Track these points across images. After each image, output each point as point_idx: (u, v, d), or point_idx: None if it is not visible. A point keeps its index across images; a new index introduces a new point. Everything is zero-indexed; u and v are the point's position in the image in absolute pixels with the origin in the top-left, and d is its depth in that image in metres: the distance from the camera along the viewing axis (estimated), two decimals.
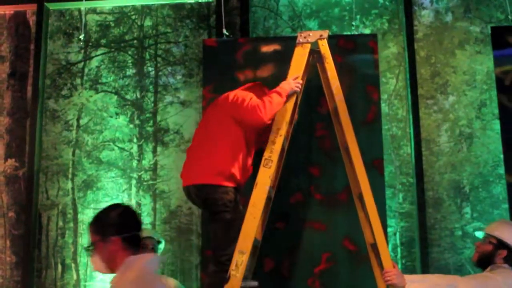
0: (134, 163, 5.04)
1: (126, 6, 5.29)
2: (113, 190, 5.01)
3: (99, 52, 5.24)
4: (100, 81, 5.19)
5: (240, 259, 3.29)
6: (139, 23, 5.27)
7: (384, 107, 4.81)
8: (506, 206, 4.52)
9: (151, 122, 5.09)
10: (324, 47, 3.72)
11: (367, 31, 4.99)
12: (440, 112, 4.83)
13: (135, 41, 5.25)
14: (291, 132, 3.84)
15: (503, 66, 4.49)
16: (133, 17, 5.28)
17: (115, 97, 5.16)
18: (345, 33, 4.95)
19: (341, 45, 4.23)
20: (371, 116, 4.12)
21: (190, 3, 5.24)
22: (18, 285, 4.91)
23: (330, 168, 4.08)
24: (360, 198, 3.56)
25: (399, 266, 4.54)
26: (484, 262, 3.54)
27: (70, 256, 4.94)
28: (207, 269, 3.51)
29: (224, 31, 4.86)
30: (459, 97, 4.85)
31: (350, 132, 3.54)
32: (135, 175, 5.02)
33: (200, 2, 5.22)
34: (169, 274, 4.76)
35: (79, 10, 5.33)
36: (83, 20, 5.30)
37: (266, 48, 4.32)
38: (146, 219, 4.93)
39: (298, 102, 3.86)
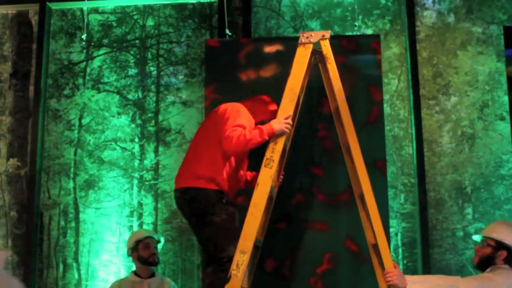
0: (136, 162, 5.04)
1: (128, 6, 5.30)
2: (114, 190, 5.01)
3: (101, 51, 5.25)
4: (102, 80, 5.19)
5: (241, 259, 3.29)
6: (141, 23, 5.27)
7: (386, 108, 4.81)
8: (508, 207, 4.52)
9: (153, 122, 5.09)
10: (326, 48, 3.71)
11: (369, 31, 4.99)
12: (442, 113, 4.83)
13: (137, 41, 5.25)
14: (293, 132, 3.83)
15: None
16: (135, 16, 5.29)
17: (117, 96, 5.16)
18: (347, 33, 4.95)
19: (344, 45, 4.23)
20: (374, 117, 4.12)
21: (192, 3, 5.24)
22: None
23: (332, 168, 4.08)
24: (362, 199, 3.56)
25: (401, 266, 4.54)
26: (484, 264, 3.54)
27: (71, 256, 4.94)
28: (206, 269, 3.50)
29: (227, 31, 4.87)
30: (461, 97, 4.85)
31: (352, 133, 3.54)
32: (136, 174, 5.02)
33: (202, 2, 5.22)
34: (170, 273, 4.77)
35: (81, 10, 5.33)
36: (85, 19, 5.30)
37: (268, 49, 4.32)
38: (147, 219, 4.93)
39: (300, 102, 3.86)
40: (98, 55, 5.25)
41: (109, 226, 4.96)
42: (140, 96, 5.15)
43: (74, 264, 4.93)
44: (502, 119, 4.73)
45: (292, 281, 3.97)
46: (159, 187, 4.98)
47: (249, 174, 3.85)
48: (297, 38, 3.76)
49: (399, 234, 4.68)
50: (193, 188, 3.53)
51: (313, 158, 4.11)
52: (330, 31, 3.78)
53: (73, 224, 5.00)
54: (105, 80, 5.19)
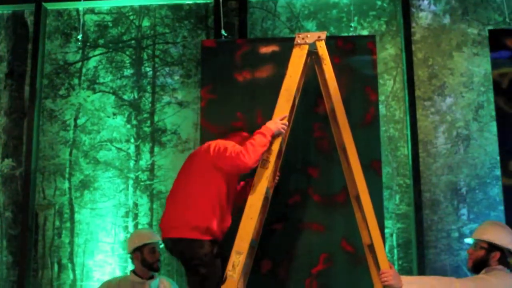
0: (131, 163, 5.04)
1: (124, 7, 5.29)
2: (110, 190, 5.00)
3: (96, 52, 5.24)
4: (97, 81, 5.19)
5: (237, 260, 3.29)
6: (137, 24, 5.27)
7: (382, 109, 4.82)
8: (503, 208, 4.53)
9: (148, 123, 5.09)
10: (322, 49, 3.72)
11: (364, 32, 5.00)
12: (437, 114, 4.84)
13: (133, 42, 5.25)
14: (288, 132, 3.84)
15: (500, 68, 4.49)
16: (131, 17, 5.28)
17: (113, 97, 5.15)
18: (343, 34, 4.95)
19: (339, 46, 4.24)
20: (369, 117, 4.13)
21: (188, 4, 5.24)
22: (15, 285, 4.90)
23: (328, 169, 4.09)
24: (357, 199, 3.57)
25: (396, 267, 4.55)
26: (479, 267, 3.54)
27: (66, 256, 4.93)
28: None
29: (223, 32, 4.87)
30: (456, 99, 4.86)
31: (348, 133, 3.54)
32: (132, 175, 5.01)
33: (198, 3, 5.22)
34: (165, 274, 4.76)
35: (77, 10, 5.32)
36: (81, 20, 5.29)
37: (264, 49, 4.32)
38: (143, 220, 4.92)
39: (296, 103, 3.86)
40: (94, 56, 5.24)
41: (105, 227, 4.95)
42: (136, 96, 5.14)
43: (69, 265, 4.92)
44: None
45: (287, 282, 3.97)
46: (155, 188, 4.97)
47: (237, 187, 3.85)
48: (293, 39, 3.77)
49: (394, 235, 4.69)
50: (187, 239, 3.49)
51: (309, 158, 4.12)
52: (325, 32, 3.78)
53: (68, 224, 4.99)
54: (101, 80, 5.19)
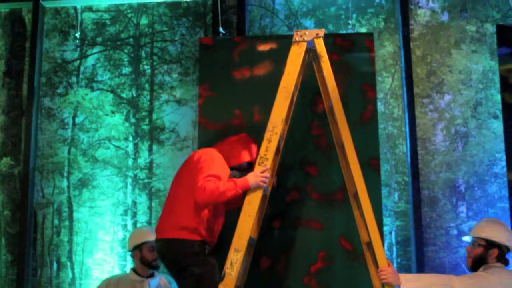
0: (130, 161, 5.03)
1: (122, 4, 5.28)
2: (108, 189, 5.00)
3: (95, 50, 5.24)
4: (95, 79, 5.18)
5: (235, 257, 3.29)
6: (135, 21, 5.26)
7: (380, 106, 4.81)
8: (501, 205, 4.53)
9: (146, 121, 5.09)
10: (320, 46, 3.71)
11: (363, 30, 4.99)
12: (436, 111, 4.84)
13: (131, 39, 5.24)
14: (287, 130, 3.83)
15: (507, 64, 4.49)
16: (129, 15, 5.28)
17: (111, 95, 5.15)
18: (341, 31, 4.95)
19: (338, 43, 4.23)
20: (368, 115, 4.12)
21: (187, 2, 5.23)
22: (14, 284, 4.90)
23: (326, 166, 4.08)
24: (356, 197, 3.56)
25: (395, 265, 4.55)
26: (478, 265, 3.56)
27: (65, 255, 4.93)
28: None
29: (220, 29, 4.86)
30: (455, 96, 4.86)
31: (346, 131, 3.54)
32: (130, 173, 5.01)
33: (196, 1, 5.21)
34: (164, 271, 4.75)
35: (75, 8, 5.32)
36: (79, 18, 5.29)
37: (262, 47, 4.32)
38: (141, 218, 4.92)
39: (294, 100, 3.86)
40: (92, 54, 5.23)
41: (103, 225, 4.95)
42: (134, 94, 5.14)
43: (68, 263, 4.92)
44: (496, 117, 4.74)
45: (286, 279, 3.97)
46: (153, 186, 4.97)
47: None
48: (291, 36, 3.76)
49: (393, 233, 4.69)
50: (177, 239, 3.50)
51: (307, 156, 4.11)
52: (324, 29, 3.78)
53: (67, 223, 4.99)
54: (99, 78, 5.18)
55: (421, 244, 4.56)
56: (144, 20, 5.25)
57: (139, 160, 5.02)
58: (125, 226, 4.93)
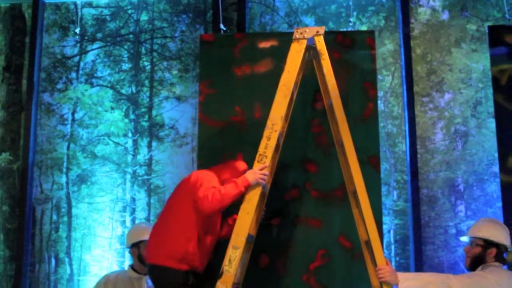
0: (129, 157, 5.03)
1: (122, 0, 5.27)
2: (107, 185, 5.00)
3: (94, 46, 5.23)
4: (95, 75, 5.17)
5: (234, 255, 3.28)
6: (135, 18, 5.25)
7: (380, 104, 4.81)
8: (500, 204, 4.53)
9: (146, 117, 5.08)
10: (320, 44, 3.70)
11: (363, 28, 4.99)
12: (436, 110, 4.84)
13: (131, 36, 5.23)
14: (286, 127, 3.82)
15: (499, 65, 4.48)
16: (130, 11, 5.27)
17: (111, 91, 5.14)
18: (341, 29, 4.94)
19: (338, 41, 4.22)
20: (368, 113, 4.11)
21: None
22: (12, 279, 4.90)
23: (326, 164, 4.08)
24: (355, 195, 3.56)
25: (393, 263, 4.55)
26: (476, 264, 3.56)
27: (64, 250, 4.93)
28: None
29: (221, 26, 4.85)
30: (455, 95, 4.86)
31: (345, 129, 3.53)
32: (129, 169, 5.01)
33: None
34: None
35: (75, 4, 5.31)
36: (79, 13, 5.28)
37: (263, 44, 4.31)
38: (140, 214, 4.92)
39: (294, 98, 3.85)
40: (92, 49, 5.23)
41: (102, 221, 4.95)
42: (134, 91, 5.13)
43: (66, 259, 4.92)
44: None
45: (285, 277, 3.97)
46: (152, 182, 4.97)
47: (230, 219, 3.81)
48: (292, 33, 3.75)
49: (391, 231, 4.69)
50: (161, 267, 3.48)
51: (307, 154, 4.11)
52: (324, 27, 3.76)
53: (65, 218, 4.98)
54: (99, 74, 5.17)
55: (420, 243, 4.56)
56: (144, 16, 5.25)
57: (138, 157, 5.02)
58: (123, 222, 4.93)
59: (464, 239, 3.72)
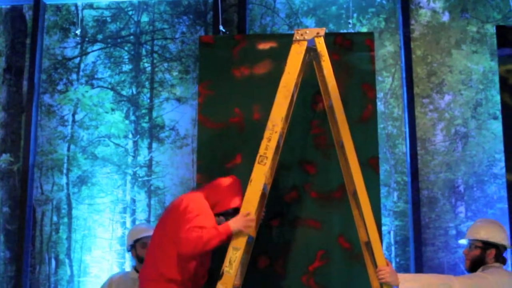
0: (129, 159, 5.03)
1: (123, 2, 5.28)
2: (108, 186, 5.00)
3: (95, 47, 5.23)
4: (96, 76, 5.18)
5: (234, 256, 3.28)
6: (135, 19, 5.26)
7: (380, 106, 4.81)
8: (500, 205, 4.53)
9: (146, 118, 5.09)
10: (321, 45, 3.70)
11: (363, 29, 4.99)
12: (436, 111, 4.84)
13: (131, 37, 5.24)
14: (286, 129, 3.83)
15: (507, 65, 4.48)
16: (130, 12, 5.27)
17: (111, 92, 5.15)
18: (342, 31, 4.95)
19: (338, 43, 4.22)
20: (367, 114, 4.11)
21: (188, 0, 5.23)
22: (12, 281, 4.90)
23: (325, 165, 4.07)
24: (355, 196, 3.56)
25: (393, 264, 4.55)
26: (477, 266, 3.55)
27: (64, 252, 4.93)
28: None
29: (221, 27, 4.86)
30: (455, 96, 4.86)
31: (346, 130, 3.53)
32: (130, 171, 5.01)
33: None
34: None
35: (76, 5, 5.31)
36: (80, 15, 5.29)
37: (263, 45, 4.31)
38: (141, 216, 4.92)
39: (294, 99, 3.85)
40: (92, 51, 5.23)
41: (102, 222, 4.95)
42: (134, 92, 5.14)
43: (67, 260, 4.92)
44: (495, 118, 4.74)
45: (284, 279, 3.97)
46: (152, 184, 4.97)
47: None
48: (292, 35, 3.75)
49: (392, 232, 4.69)
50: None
51: (307, 155, 4.11)
52: (324, 28, 3.76)
53: (65, 220, 4.99)
54: (99, 75, 5.18)
55: (420, 244, 4.56)
56: (144, 18, 5.25)
57: (138, 158, 5.02)
58: (124, 223, 4.93)
59: (463, 241, 3.71)
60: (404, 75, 4.83)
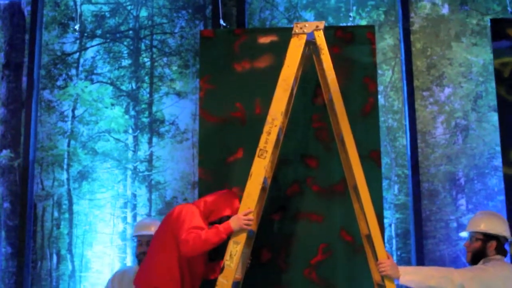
0: (130, 154, 5.03)
1: None
2: (108, 181, 5.00)
3: (94, 42, 5.23)
4: (95, 71, 5.17)
5: (235, 249, 3.29)
6: (134, 14, 5.25)
7: (380, 99, 4.81)
8: (501, 198, 4.54)
9: (146, 113, 5.08)
10: (320, 38, 3.70)
11: (363, 22, 4.98)
12: (436, 104, 4.84)
13: (130, 32, 5.23)
14: (286, 122, 3.82)
15: (502, 58, 4.48)
16: (129, 7, 5.26)
17: (111, 87, 5.14)
18: (341, 24, 4.94)
19: (338, 36, 4.21)
20: (368, 108, 4.11)
21: None
22: (14, 276, 4.91)
23: (326, 159, 4.07)
24: (356, 190, 3.56)
25: (394, 257, 4.56)
26: (478, 258, 3.55)
27: (65, 247, 4.94)
28: None
29: (221, 21, 4.85)
30: (455, 89, 4.85)
31: (346, 124, 3.53)
32: (130, 166, 5.01)
33: None
34: None
35: (74, 0, 5.30)
36: (78, 10, 5.27)
37: (263, 39, 4.30)
38: (141, 210, 4.93)
39: (294, 93, 3.85)
40: (92, 46, 5.22)
41: (103, 217, 4.95)
42: (134, 87, 5.13)
43: (68, 256, 4.93)
44: (496, 110, 4.73)
45: (286, 272, 3.97)
46: (153, 178, 4.97)
47: None
48: (291, 28, 3.75)
49: (393, 225, 4.70)
50: None
51: (308, 149, 4.11)
52: (324, 21, 3.76)
53: (66, 215, 4.99)
54: (99, 71, 5.17)
55: (421, 237, 4.56)
56: (143, 13, 5.24)
57: (138, 153, 5.02)
58: (125, 218, 4.93)
59: (464, 234, 3.71)
60: (404, 68, 4.83)
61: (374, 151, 4.04)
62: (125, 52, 5.19)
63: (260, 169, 3.43)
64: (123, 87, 5.13)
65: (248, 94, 4.18)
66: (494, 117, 4.73)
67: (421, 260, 4.52)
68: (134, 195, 4.96)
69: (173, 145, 5.00)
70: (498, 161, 4.68)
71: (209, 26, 5.06)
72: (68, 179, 5.05)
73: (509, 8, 4.83)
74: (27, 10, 5.34)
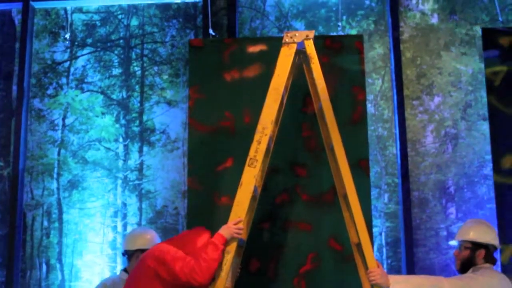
0: (120, 163, 5.02)
1: (112, 6, 5.27)
2: (98, 190, 4.99)
3: (85, 51, 5.22)
4: (86, 80, 5.17)
5: (225, 259, 3.28)
6: (125, 23, 5.25)
7: (370, 108, 4.83)
8: (490, 206, 4.55)
9: (137, 122, 5.08)
10: (310, 48, 3.71)
11: (353, 32, 5.01)
12: (426, 113, 4.86)
13: (121, 41, 5.23)
14: (277, 131, 3.83)
15: (492, 67, 4.51)
16: (120, 16, 5.27)
17: (101, 96, 5.14)
18: (331, 33, 4.96)
19: (328, 45, 4.23)
20: (357, 117, 4.12)
21: (177, 3, 5.23)
22: (3, 286, 4.88)
23: (316, 168, 4.08)
24: (345, 198, 3.57)
25: (385, 266, 4.56)
26: (467, 267, 3.56)
27: (55, 256, 4.91)
28: None
29: (211, 31, 4.86)
30: (445, 98, 4.88)
31: (335, 132, 3.54)
32: (121, 175, 5.00)
33: (187, 2, 5.21)
34: None
35: (65, 9, 5.30)
36: (69, 19, 5.27)
37: (253, 48, 4.31)
38: (132, 219, 4.91)
39: (284, 102, 3.86)
40: (82, 55, 5.22)
41: (93, 227, 4.94)
42: (124, 96, 5.13)
43: (58, 265, 4.90)
44: (485, 119, 4.76)
45: (275, 281, 3.97)
46: (143, 187, 4.96)
47: None
48: (281, 38, 3.76)
49: (383, 234, 4.70)
50: None
51: (297, 157, 4.11)
52: (314, 31, 3.78)
53: (56, 224, 4.97)
54: (89, 79, 5.17)
55: (411, 245, 4.57)
56: (134, 22, 5.25)
57: (129, 162, 5.01)
58: (115, 227, 4.92)
59: (453, 243, 3.72)
60: (393, 77, 4.85)
61: (363, 160, 4.05)
62: (116, 61, 5.19)
63: (250, 178, 3.43)
64: (114, 96, 5.13)
65: (238, 103, 4.19)
66: (484, 126, 4.76)
67: (411, 268, 4.52)
68: (125, 204, 4.95)
69: (164, 154, 4.99)
70: (487, 170, 4.70)
71: (200, 35, 5.07)
72: (58, 188, 5.03)
73: (500, 18, 4.87)
74: (17, 18, 5.34)
